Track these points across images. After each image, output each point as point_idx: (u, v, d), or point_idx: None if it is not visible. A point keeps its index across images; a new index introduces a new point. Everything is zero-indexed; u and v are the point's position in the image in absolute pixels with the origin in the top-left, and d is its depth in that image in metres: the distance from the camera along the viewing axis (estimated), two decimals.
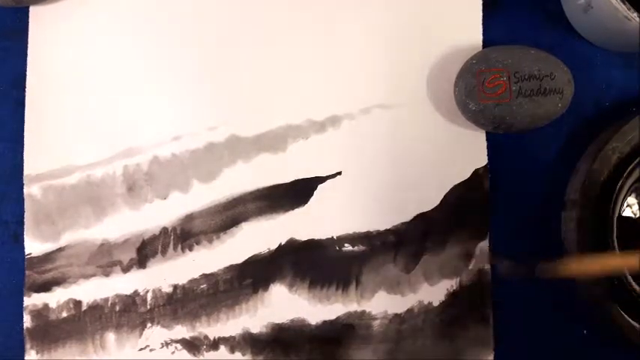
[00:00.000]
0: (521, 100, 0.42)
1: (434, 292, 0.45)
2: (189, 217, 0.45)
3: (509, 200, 0.45)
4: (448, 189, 0.45)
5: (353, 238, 0.45)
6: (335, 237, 0.45)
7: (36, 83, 0.46)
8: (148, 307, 0.45)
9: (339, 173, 0.45)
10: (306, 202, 0.45)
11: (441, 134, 0.45)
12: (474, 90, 0.43)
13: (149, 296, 0.45)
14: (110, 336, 0.45)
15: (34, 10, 0.46)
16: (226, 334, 0.45)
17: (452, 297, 0.45)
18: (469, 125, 0.45)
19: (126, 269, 0.45)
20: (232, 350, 0.45)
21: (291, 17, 0.46)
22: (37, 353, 0.45)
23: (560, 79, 0.43)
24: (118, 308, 0.45)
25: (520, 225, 0.45)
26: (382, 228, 0.45)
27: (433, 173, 0.45)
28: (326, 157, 0.45)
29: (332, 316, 0.45)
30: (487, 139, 0.45)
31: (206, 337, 0.45)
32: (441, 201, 0.45)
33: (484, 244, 0.45)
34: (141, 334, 0.45)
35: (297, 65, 0.46)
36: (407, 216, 0.45)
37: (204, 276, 0.45)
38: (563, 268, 0.40)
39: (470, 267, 0.45)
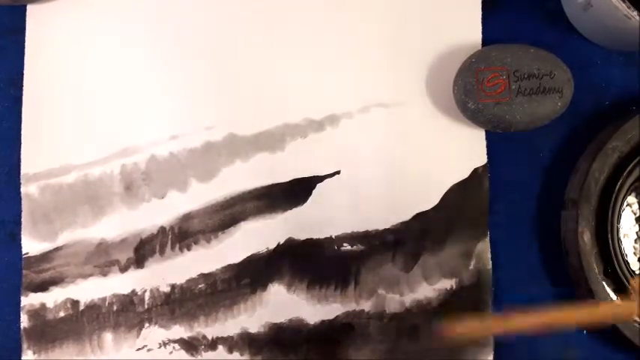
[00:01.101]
0: (521, 99, 0.42)
1: (433, 292, 0.45)
2: (187, 217, 0.45)
3: (508, 199, 0.45)
4: (447, 188, 0.45)
5: (352, 238, 0.45)
6: (333, 236, 0.45)
7: (33, 82, 0.46)
8: (146, 306, 0.45)
9: (338, 172, 0.45)
10: (305, 202, 0.45)
11: (439, 133, 0.45)
12: (473, 89, 0.43)
13: (147, 296, 0.45)
14: (108, 336, 0.45)
15: (31, 9, 0.46)
16: (224, 334, 0.45)
17: (451, 297, 0.44)
18: (468, 124, 0.44)
19: (123, 269, 0.45)
20: (230, 350, 0.45)
21: (289, 15, 0.46)
22: (34, 353, 0.45)
23: (560, 78, 0.42)
24: (115, 308, 0.45)
25: (520, 224, 0.45)
26: (381, 227, 0.45)
27: (432, 172, 0.45)
28: (324, 156, 0.45)
29: (330, 316, 0.45)
30: (486, 138, 0.45)
31: (204, 337, 0.45)
32: (440, 200, 0.45)
33: (483, 244, 0.45)
34: (138, 334, 0.45)
35: (295, 64, 0.46)
36: (406, 215, 0.45)
37: (203, 276, 0.45)
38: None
39: (469, 267, 0.44)
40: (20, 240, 0.45)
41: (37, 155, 0.45)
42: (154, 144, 0.45)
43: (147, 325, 0.45)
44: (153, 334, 0.45)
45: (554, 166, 0.45)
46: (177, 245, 0.45)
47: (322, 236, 0.45)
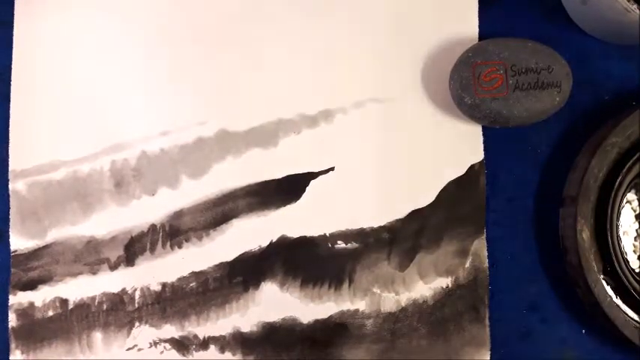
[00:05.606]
0: (519, 94, 0.42)
1: (429, 291, 0.44)
2: (179, 214, 0.44)
3: (505, 196, 0.44)
4: (443, 185, 0.44)
5: (346, 235, 0.44)
6: (327, 234, 0.44)
7: (21, 76, 0.45)
8: (136, 305, 0.44)
9: (332, 169, 0.44)
10: (298, 199, 0.44)
11: (436, 129, 0.44)
12: (469, 84, 0.42)
13: (137, 295, 0.44)
14: (97, 335, 0.44)
15: (19, 2, 0.45)
16: (216, 334, 0.44)
17: (447, 296, 0.44)
18: (465, 120, 0.44)
19: (113, 267, 0.44)
20: (222, 350, 0.44)
21: (283, 10, 0.45)
22: (23, 353, 0.44)
23: (558, 73, 0.42)
24: (105, 307, 0.44)
25: (517, 222, 0.44)
26: (376, 225, 0.44)
27: (428, 169, 0.44)
28: (318, 153, 0.44)
29: (324, 315, 0.44)
30: (483, 134, 0.44)
31: (195, 336, 0.44)
32: (436, 197, 0.44)
33: (480, 242, 0.44)
34: (129, 333, 0.44)
35: (289, 58, 0.45)
36: (401, 212, 0.44)
37: (194, 274, 0.44)
38: None
39: (466, 265, 0.44)
40: (8, 237, 0.45)
41: (26, 151, 0.45)
42: (144, 140, 0.45)
43: (137, 324, 0.44)
44: (143, 333, 0.44)
45: (553, 162, 0.44)
46: (168, 243, 0.44)
47: (316, 234, 0.44)
